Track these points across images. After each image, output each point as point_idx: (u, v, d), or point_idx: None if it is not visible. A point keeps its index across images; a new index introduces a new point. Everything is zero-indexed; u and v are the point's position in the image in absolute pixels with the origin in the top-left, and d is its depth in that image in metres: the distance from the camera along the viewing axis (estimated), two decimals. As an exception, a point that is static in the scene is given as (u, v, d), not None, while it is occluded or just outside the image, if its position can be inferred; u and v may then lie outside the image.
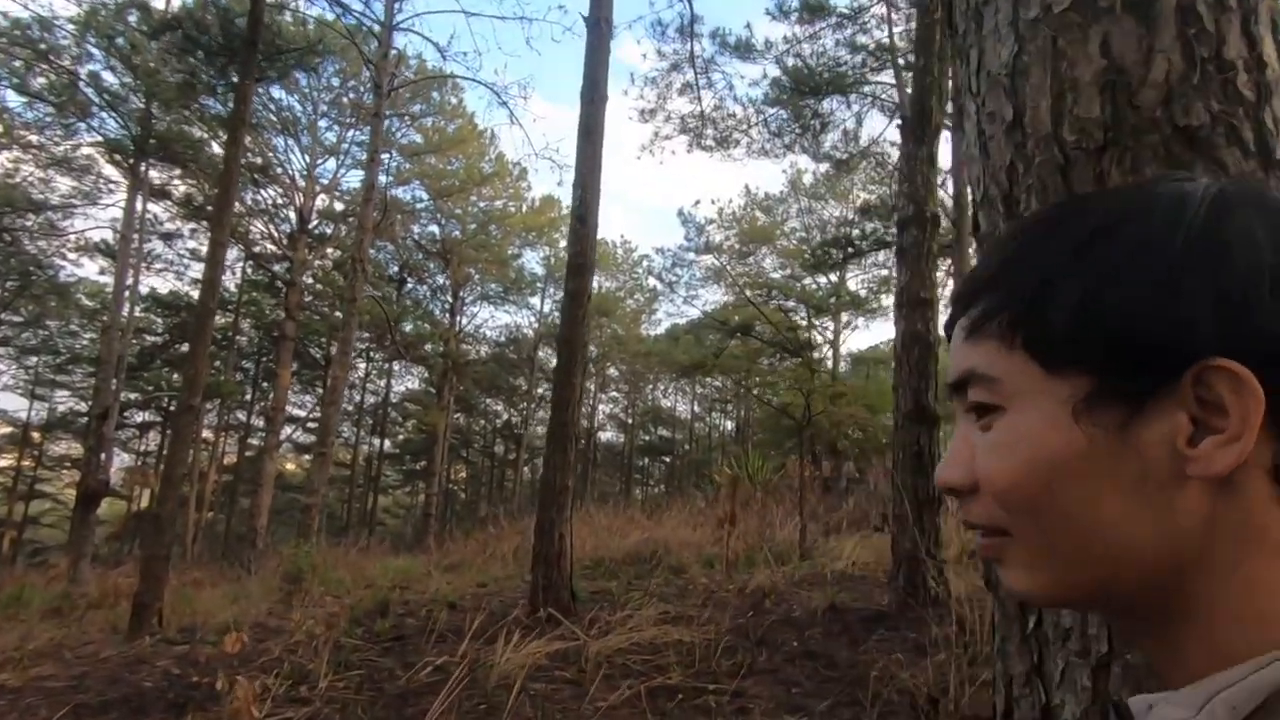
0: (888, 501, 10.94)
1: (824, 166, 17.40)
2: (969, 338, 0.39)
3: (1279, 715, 0.28)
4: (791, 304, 20.27)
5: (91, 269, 30.57)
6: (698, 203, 23.80)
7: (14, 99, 15.22)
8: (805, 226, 22.88)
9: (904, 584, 4.24)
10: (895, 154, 16.80)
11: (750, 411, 35.26)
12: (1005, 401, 0.37)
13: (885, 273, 21.05)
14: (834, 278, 21.40)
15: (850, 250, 19.35)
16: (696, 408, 37.30)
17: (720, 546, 9.02)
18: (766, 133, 13.80)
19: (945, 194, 11.85)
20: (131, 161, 14.78)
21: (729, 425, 38.56)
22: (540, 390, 30.37)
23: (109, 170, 16.90)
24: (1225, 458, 0.31)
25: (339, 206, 20.65)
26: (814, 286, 21.19)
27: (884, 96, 13.78)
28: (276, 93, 17.44)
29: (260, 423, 24.70)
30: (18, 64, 13.92)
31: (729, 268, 21.05)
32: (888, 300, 22.19)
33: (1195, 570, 0.33)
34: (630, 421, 35.52)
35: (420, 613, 5.95)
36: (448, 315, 24.51)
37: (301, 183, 19.28)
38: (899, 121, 5.55)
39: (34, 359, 24.78)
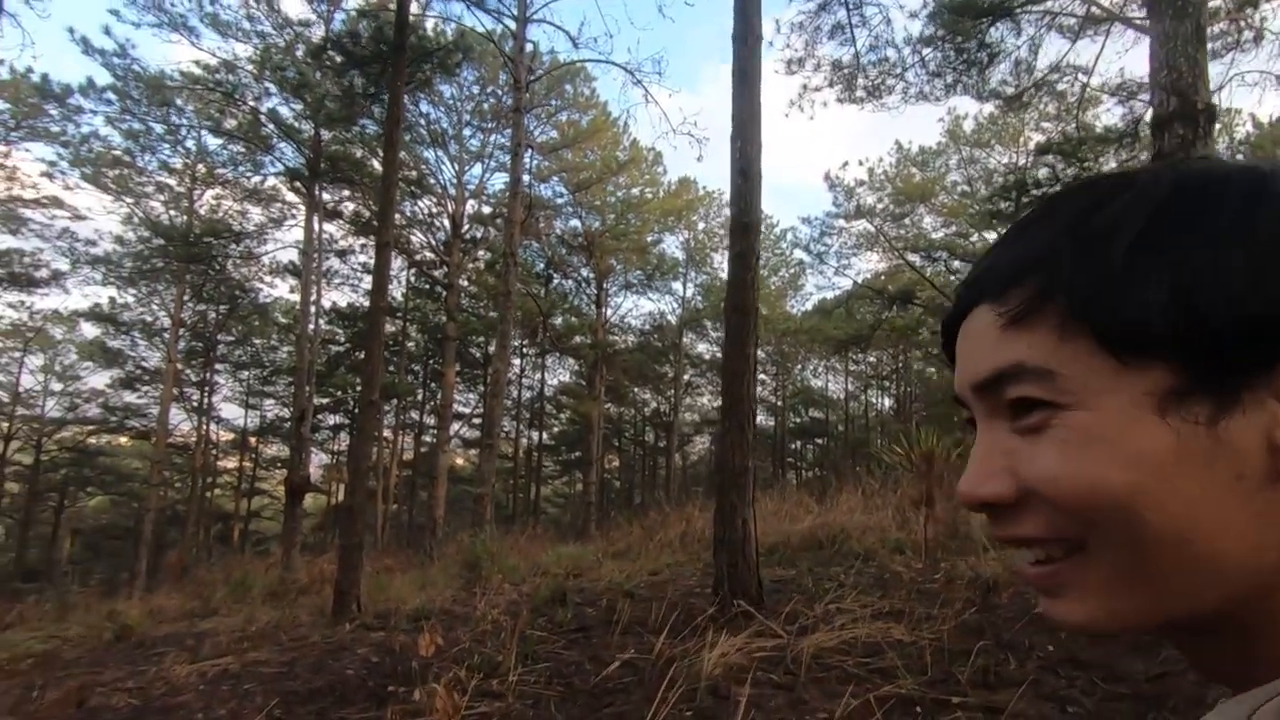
0: None
1: (989, 107, 15.56)
2: (1010, 326, 0.34)
3: None
4: (958, 265, 18.42)
5: (283, 289, 34.28)
6: (845, 164, 22.17)
7: (212, 141, 17.17)
8: (968, 179, 20.77)
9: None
10: (1077, 85, 14.63)
11: (911, 387, 32.93)
12: (1068, 398, 0.32)
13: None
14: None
15: (1026, 197, 17.20)
16: (850, 386, 35.48)
17: (908, 531, 8.17)
18: (925, 74, 12.44)
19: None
20: (308, 186, 16.12)
21: (887, 403, 36.37)
22: (687, 377, 30.14)
23: (290, 196, 18.66)
24: None
25: (487, 209, 21.49)
26: (983, 244, 19.11)
27: (1066, 12, 11.95)
28: (424, 107, 18.35)
29: (431, 420, 26.51)
30: (213, 110, 15.63)
31: (883, 232, 19.50)
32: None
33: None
34: (780, 404, 34.43)
35: (599, 602, 5.74)
36: (594, 307, 24.87)
37: (452, 191, 20.24)
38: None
39: (245, 373, 28.20)
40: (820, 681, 3.41)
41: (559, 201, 22.34)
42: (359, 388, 19.78)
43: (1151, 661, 3.07)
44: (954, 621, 4.05)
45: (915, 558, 6.73)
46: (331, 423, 28.80)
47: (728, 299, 5.19)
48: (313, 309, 15.82)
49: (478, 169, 20.93)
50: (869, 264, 22.91)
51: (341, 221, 19.83)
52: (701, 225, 25.99)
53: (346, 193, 18.70)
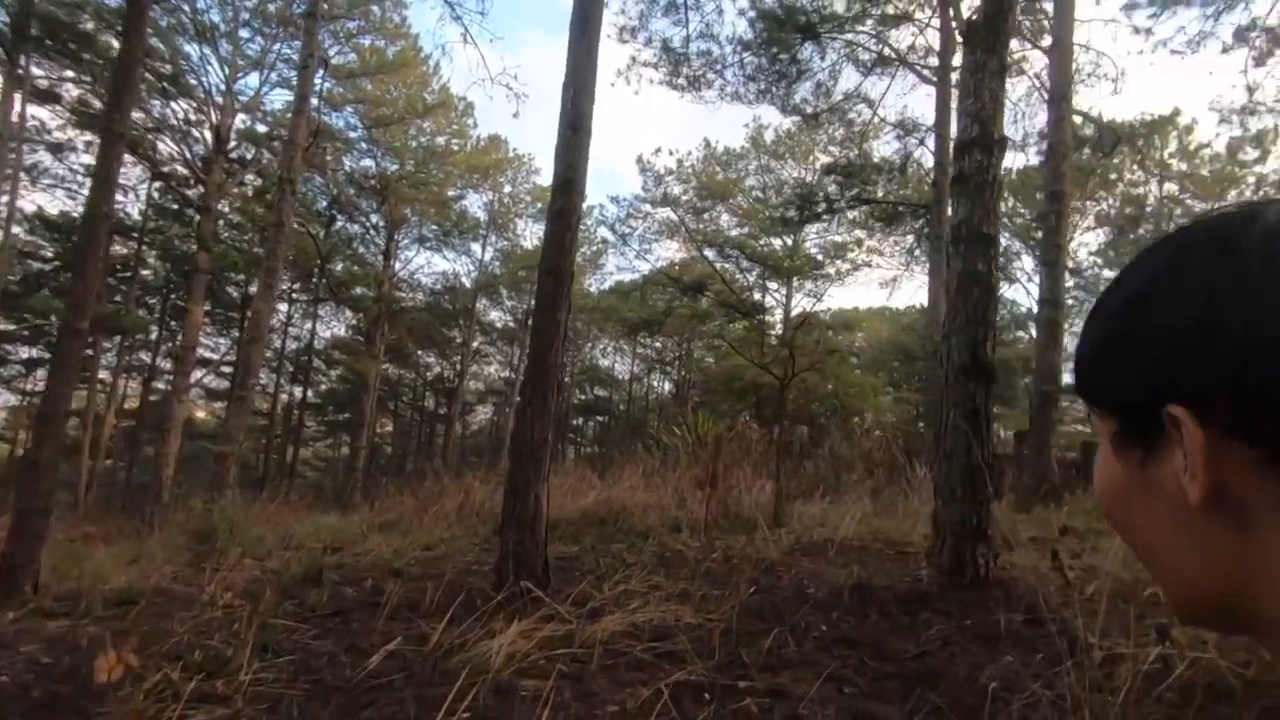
0: (854, 466, 10.63)
1: (788, 123, 16.71)
2: None
3: None
4: (747, 264, 19.72)
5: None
6: (658, 151, 22.69)
7: None
8: (764, 185, 22.32)
9: (949, 561, 3.69)
10: (866, 112, 16.29)
11: (691, 374, 34.98)
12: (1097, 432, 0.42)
13: (839, 239, 20.76)
14: (790, 240, 20.95)
15: (808, 210, 18.89)
16: (636, 368, 36.76)
17: (686, 511, 8.45)
18: (742, 75, 12.97)
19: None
20: (9, 53, 12.66)
21: (667, 387, 38.26)
22: (477, 344, 29.04)
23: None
24: (1193, 491, 0.34)
25: (261, 128, 18.65)
26: (770, 248, 20.69)
27: (865, 45, 13.15)
28: (190, -10, 15.35)
29: (167, 365, 22.58)
30: None
31: (685, 223, 20.27)
32: (841, 265, 21.96)
33: (1255, 594, 0.35)
34: (567, 379, 34.70)
35: (363, 582, 5.09)
36: (380, 258, 22.87)
37: (219, 98, 17.24)
38: (961, 27, 4.84)
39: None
40: (610, 670, 3.22)
41: (352, 135, 20.11)
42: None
43: (906, 641, 3.30)
44: (737, 602, 4.10)
45: (694, 536, 6.93)
46: (26, 356, 23.36)
47: (543, 260, 4.81)
48: (4, 209, 12.51)
49: (254, 79, 18.11)
50: (668, 251, 23.74)
51: (59, 108, 15.96)
52: (509, 189, 25.07)
53: (70, 73, 15.05)
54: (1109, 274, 27.08)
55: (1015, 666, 2.80)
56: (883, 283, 40.60)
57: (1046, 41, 10.30)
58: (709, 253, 19.57)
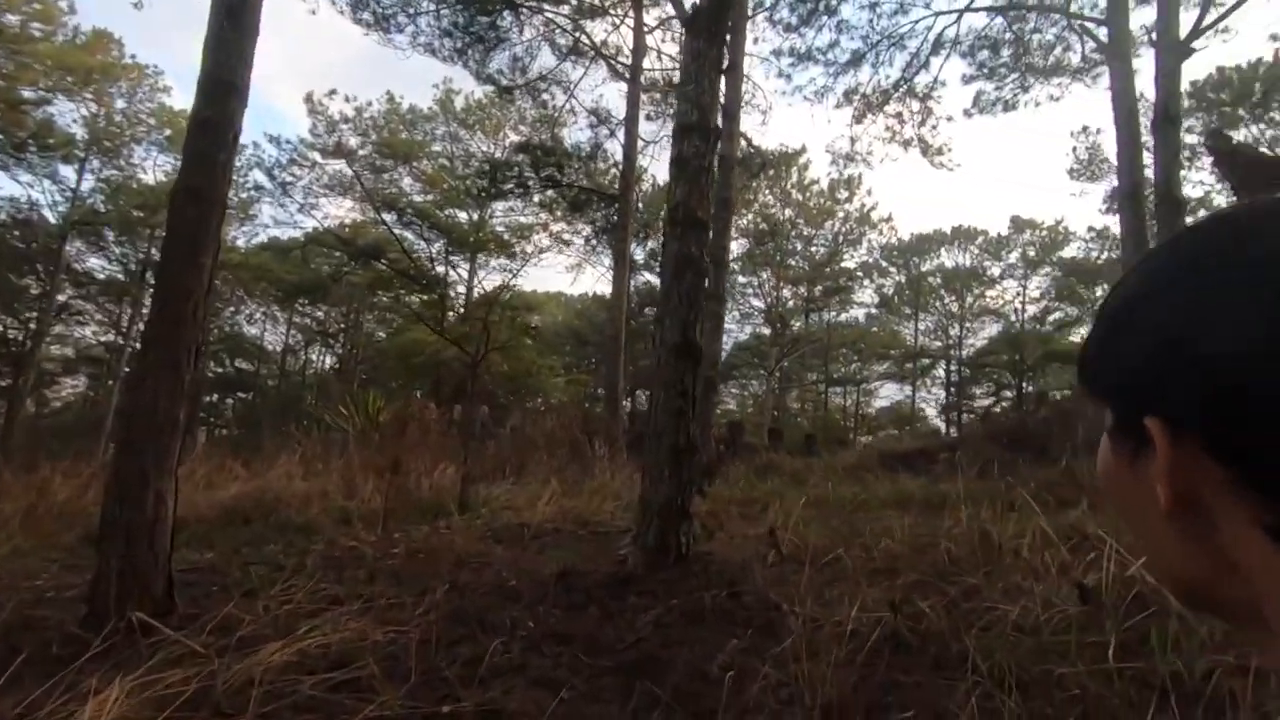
0: (542, 447, 10.62)
1: (480, 92, 16.13)
2: None
3: None
4: (433, 235, 18.59)
5: None
6: (333, 93, 19.91)
7: None
8: (450, 154, 21.29)
9: (654, 541, 3.69)
10: (560, 96, 16.46)
11: (360, 348, 32.04)
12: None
13: (528, 219, 20.82)
14: (475, 215, 20.33)
15: (495, 188, 18.52)
16: (292, 338, 32.47)
17: (357, 500, 7.50)
18: (438, 28, 11.99)
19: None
20: None
21: (329, 361, 34.57)
22: (64, 297, 22.50)
23: None
24: (1163, 499, 0.36)
25: None
26: (455, 220, 19.79)
27: (563, 28, 13.20)
28: None
29: None
30: None
31: (362, 179, 18.26)
32: (527, 246, 22.06)
33: (1240, 591, 0.36)
34: (200, 348, 29.09)
35: None
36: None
37: None
38: (686, 12, 4.88)
39: None
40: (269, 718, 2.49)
41: None
42: None
43: (619, 629, 3.19)
44: (431, 607, 3.60)
45: (369, 529, 6.10)
46: None
47: (179, 182, 3.63)
48: None
49: None
50: (339, 210, 21.24)
51: None
52: (123, 104, 19.81)
53: None
54: (743, 280, 32.03)
55: (728, 645, 2.84)
56: (568, 267, 42.16)
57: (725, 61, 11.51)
58: (388, 216, 17.94)
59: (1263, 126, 20.79)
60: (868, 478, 8.48)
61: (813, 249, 30.50)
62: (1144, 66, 10.95)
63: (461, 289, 22.53)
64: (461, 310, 21.11)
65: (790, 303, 31.75)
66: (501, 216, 21.29)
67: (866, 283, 34.05)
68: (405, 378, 20.19)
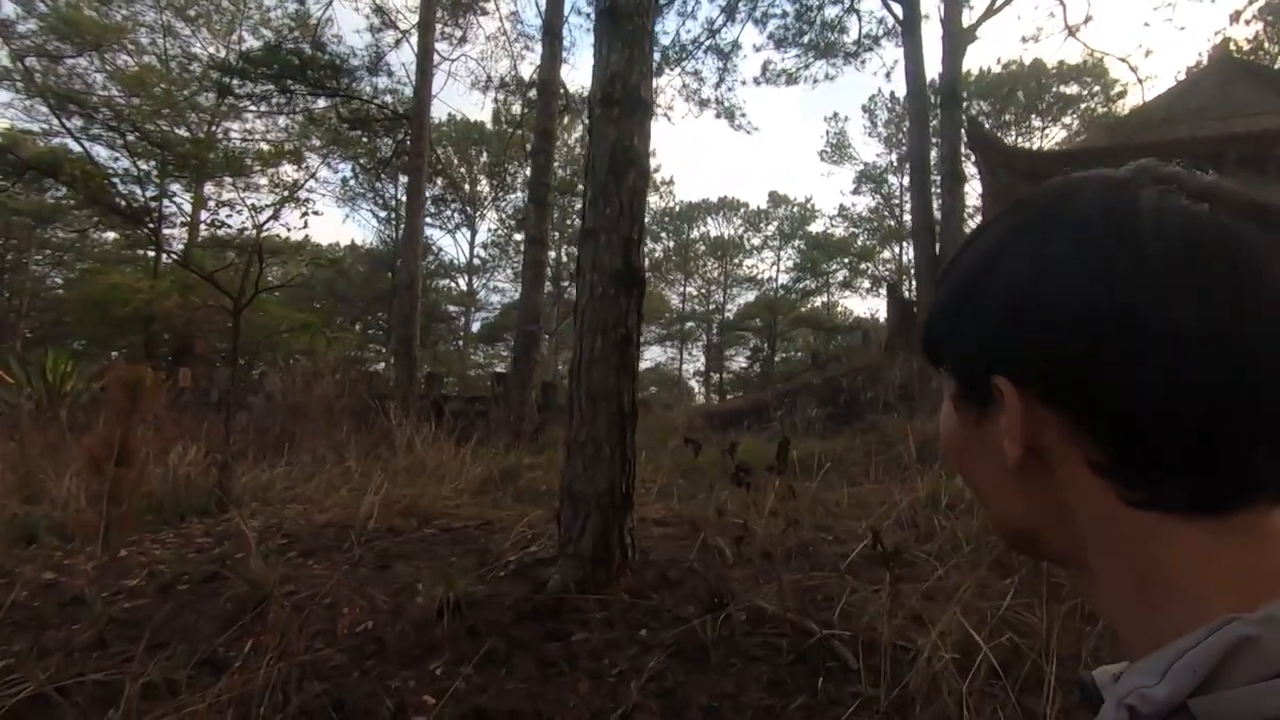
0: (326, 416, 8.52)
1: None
2: None
3: (1233, 675, 0.31)
4: (139, 150, 14.39)
5: None
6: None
7: None
8: (163, 50, 16.80)
9: (593, 547, 2.59)
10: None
11: (20, 297, 24.67)
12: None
13: (265, 144, 17.16)
14: (204, 131, 16.28)
15: (224, 102, 14.82)
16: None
17: (51, 505, 5.18)
18: None
19: None
20: None
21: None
22: None
23: None
24: (1010, 453, 0.39)
25: None
26: (177, 136, 15.56)
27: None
28: None
29: None
30: None
31: (31, 67, 13.42)
32: (276, 175, 18.28)
33: (1069, 536, 0.40)
34: None
35: None
36: None
37: None
38: None
39: None
40: None
41: None
42: None
43: (598, 695, 2.09)
44: (226, 688, 2.17)
45: (79, 550, 4.06)
46: None
47: None
48: None
49: None
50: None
51: None
52: None
53: None
54: (518, 237, 30.57)
55: (791, 706, 1.91)
56: (314, 211, 36.62)
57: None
58: (70, 122, 13.45)
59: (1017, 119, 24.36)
60: (713, 438, 8.04)
61: (592, 209, 30.03)
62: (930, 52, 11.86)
63: (181, 226, 18.10)
64: (177, 254, 16.90)
65: (568, 262, 31.06)
66: (239, 136, 17.33)
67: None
68: (105, 333, 15.73)
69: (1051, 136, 24.52)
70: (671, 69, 15.88)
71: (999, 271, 0.40)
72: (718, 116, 15.42)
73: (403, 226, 27.28)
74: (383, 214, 26.12)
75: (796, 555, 2.94)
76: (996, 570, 2.40)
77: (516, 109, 16.23)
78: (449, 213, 28.38)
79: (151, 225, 16.06)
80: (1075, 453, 0.37)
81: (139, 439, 5.50)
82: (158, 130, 14.63)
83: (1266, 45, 20.38)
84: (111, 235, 20.13)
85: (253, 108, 15.40)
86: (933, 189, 10.85)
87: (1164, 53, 29.63)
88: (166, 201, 16.96)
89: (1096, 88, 23.22)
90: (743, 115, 15.20)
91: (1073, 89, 23.54)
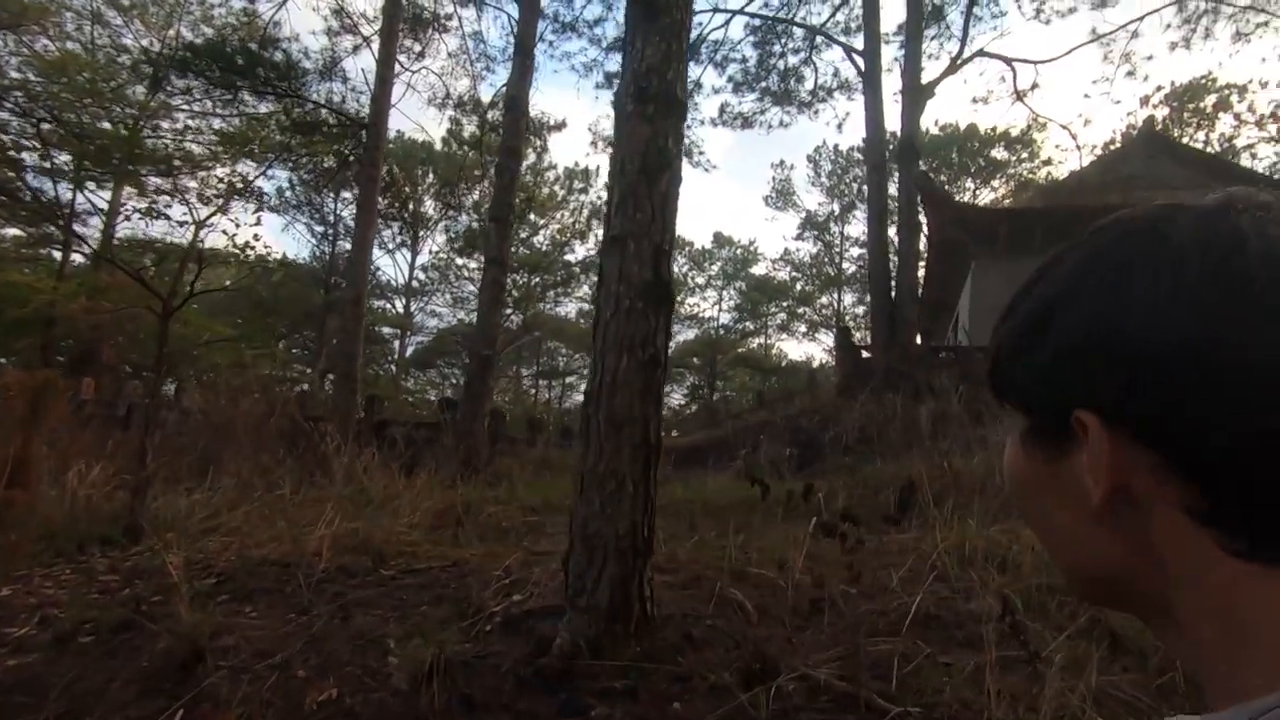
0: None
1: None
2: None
3: None
4: (52, 140, 13.23)
5: None
6: None
7: None
8: (90, 40, 15.70)
9: (609, 599, 2.20)
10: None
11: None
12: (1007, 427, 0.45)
13: (196, 145, 16.09)
14: (129, 124, 15.16)
15: (162, 93, 13.87)
16: None
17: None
18: None
19: None
20: None
21: None
22: None
23: None
24: (1096, 493, 0.37)
25: None
26: (94, 125, 14.38)
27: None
28: None
29: None
30: None
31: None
32: (207, 179, 17.14)
33: (1155, 583, 0.37)
34: None
35: None
36: None
37: None
38: None
39: None
40: None
41: None
42: None
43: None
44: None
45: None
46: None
47: None
48: None
49: None
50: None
51: None
52: None
53: None
54: (460, 261, 29.82)
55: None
56: (246, 223, 34.87)
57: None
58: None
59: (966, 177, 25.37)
60: (674, 475, 7.69)
61: (537, 239, 29.69)
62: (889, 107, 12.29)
63: (95, 224, 16.69)
64: (93, 251, 15.55)
65: (512, 291, 30.49)
66: (171, 141, 16.20)
67: (584, 279, 34.30)
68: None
69: (981, 198, 25.92)
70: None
71: (1080, 304, 0.39)
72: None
73: (339, 242, 26.24)
74: (319, 229, 24.98)
75: (827, 611, 2.63)
76: (1079, 638, 2.16)
77: (469, 130, 15.78)
78: (390, 231, 27.46)
79: (61, 222, 14.74)
80: (1168, 494, 0.36)
81: (35, 454, 4.76)
82: (77, 121, 13.50)
83: (1173, 128, 22.28)
84: (13, 232, 18.46)
85: (185, 107, 14.46)
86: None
87: (1100, 123, 31.99)
88: (80, 198, 15.62)
89: (1024, 154, 24.79)
90: (701, 153, 15.26)
91: (1003, 154, 25.02)
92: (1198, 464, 0.34)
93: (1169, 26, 14.21)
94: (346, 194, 23.42)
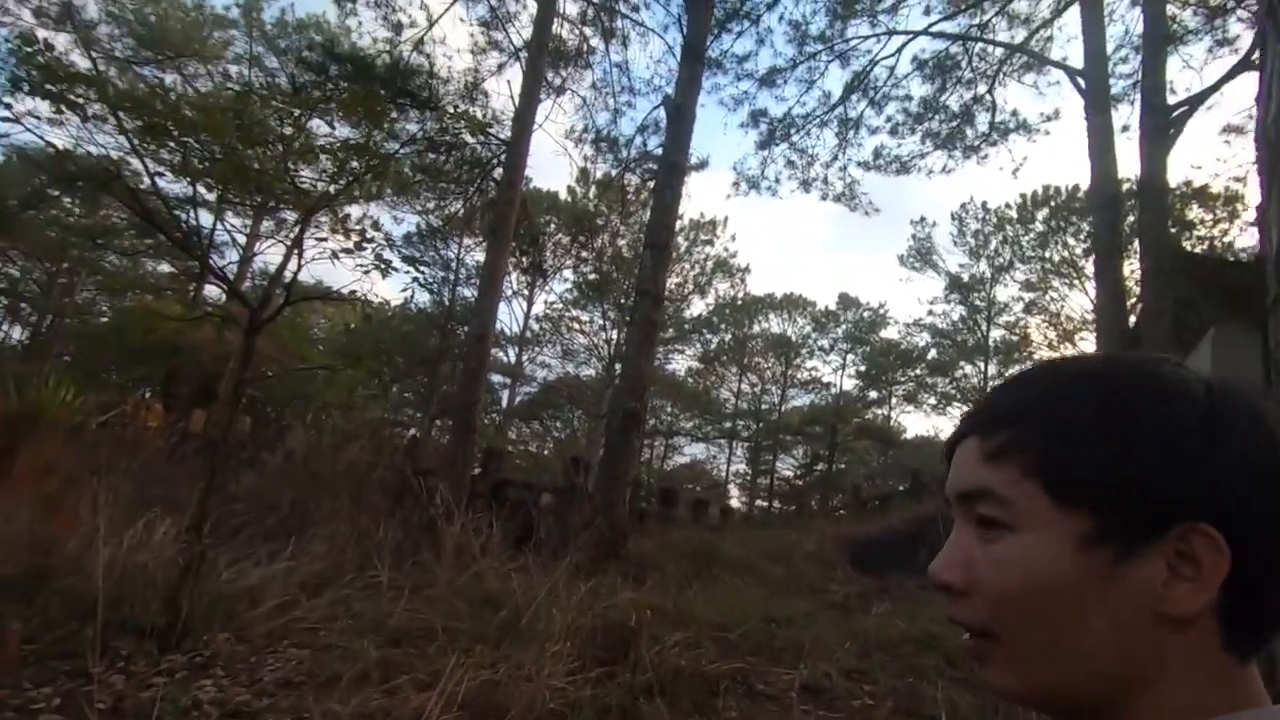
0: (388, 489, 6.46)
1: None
2: (989, 460, 0.45)
3: None
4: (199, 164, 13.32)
5: None
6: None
7: None
8: (249, 80, 16.11)
9: None
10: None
11: (60, 319, 23.74)
12: (1015, 522, 0.43)
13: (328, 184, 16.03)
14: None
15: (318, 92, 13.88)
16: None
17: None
18: None
19: None
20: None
21: (19, 334, 25.48)
22: None
23: None
24: (1192, 603, 0.38)
25: None
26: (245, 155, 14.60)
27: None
28: None
29: None
30: None
31: (101, 66, 12.55)
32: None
33: (1146, 685, 0.39)
34: None
35: None
36: None
37: None
38: None
39: None
40: None
41: None
42: None
43: None
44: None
45: None
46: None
47: None
48: None
49: None
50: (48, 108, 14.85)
51: None
52: None
53: None
54: (572, 313, 29.12)
55: None
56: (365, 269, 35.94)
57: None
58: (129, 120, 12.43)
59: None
60: (857, 580, 5.72)
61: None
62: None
63: (232, 256, 16.93)
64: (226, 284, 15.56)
65: (618, 345, 29.38)
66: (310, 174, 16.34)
67: (694, 337, 32.74)
68: (123, 366, 14.20)
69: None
70: (778, 143, 14.50)
71: (1170, 413, 0.40)
72: (823, 198, 13.70)
73: (458, 288, 26.13)
74: (440, 274, 24.90)
75: None
76: None
77: (601, 170, 14.82)
78: (510, 277, 27.16)
79: (199, 253, 14.76)
80: (1215, 599, 0.38)
81: (69, 504, 3.50)
82: (224, 154, 13.59)
83: None
84: (166, 268, 19.13)
85: (325, 115, 14.26)
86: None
87: None
88: (220, 228, 15.83)
89: (1223, 213, 21.35)
90: (864, 194, 13.54)
91: (1196, 213, 21.69)
92: (1260, 571, 0.38)
93: None
94: (469, 240, 23.24)
